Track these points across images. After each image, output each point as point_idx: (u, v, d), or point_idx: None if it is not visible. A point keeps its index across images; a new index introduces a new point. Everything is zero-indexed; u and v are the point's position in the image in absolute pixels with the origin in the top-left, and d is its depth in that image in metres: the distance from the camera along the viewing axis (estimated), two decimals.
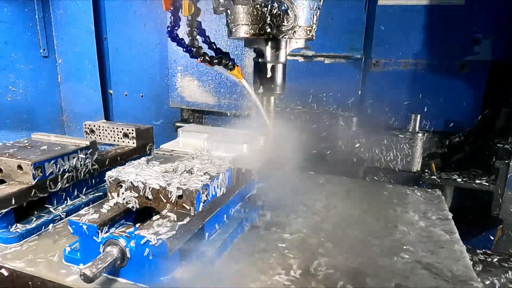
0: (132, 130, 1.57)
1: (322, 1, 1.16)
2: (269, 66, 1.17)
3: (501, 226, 1.79)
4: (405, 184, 1.68)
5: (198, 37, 1.14)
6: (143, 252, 0.84)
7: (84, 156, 1.29)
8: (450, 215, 1.34)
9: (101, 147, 1.57)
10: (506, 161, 1.74)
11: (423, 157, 1.90)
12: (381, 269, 1.01)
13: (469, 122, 1.95)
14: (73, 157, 1.25)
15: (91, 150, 1.32)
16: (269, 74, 1.18)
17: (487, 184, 1.80)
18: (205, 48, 1.21)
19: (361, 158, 1.95)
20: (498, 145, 1.82)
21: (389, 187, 1.62)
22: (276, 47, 1.16)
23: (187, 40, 1.12)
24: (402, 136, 1.85)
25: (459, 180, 1.86)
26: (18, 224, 1.13)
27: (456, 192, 1.94)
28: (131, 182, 0.97)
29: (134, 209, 0.99)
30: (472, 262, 1.10)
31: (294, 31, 1.11)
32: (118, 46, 2.68)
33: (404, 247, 1.12)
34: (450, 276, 0.99)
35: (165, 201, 0.95)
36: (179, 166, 1.08)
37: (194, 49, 1.11)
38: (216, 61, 1.16)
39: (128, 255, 0.87)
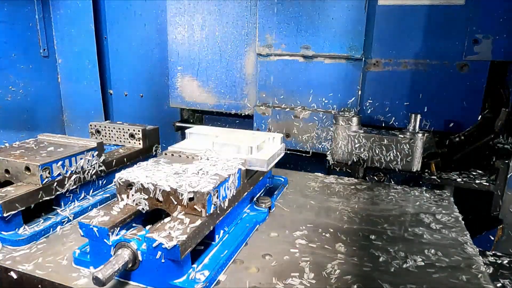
0: (139, 131, 1.55)
1: None
2: None
3: (501, 226, 1.79)
4: (405, 184, 1.68)
5: None
6: (155, 255, 0.84)
7: (91, 158, 1.28)
8: None
9: (107, 148, 1.56)
10: (506, 161, 1.74)
11: (423, 157, 1.90)
12: None
13: (469, 122, 1.95)
14: (80, 158, 1.24)
15: (98, 151, 1.31)
16: None
17: (487, 184, 1.81)
18: None
19: (361, 158, 1.96)
20: (498, 145, 1.83)
21: None
22: None
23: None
24: (402, 136, 1.85)
25: (459, 180, 1.87)
26: (26, 227, 1.12)
27: (456, 192, 1.95)
28: (141, 184, 0.95)
29: (144, 211, 0.98)
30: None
31: None
32: (118, 46, 2.67)
33: None
34: None
35: (176, 203, 0.93)
36: (189, 167, 1.06)
37: None
38: None
39: (140, 258, 0.86)
